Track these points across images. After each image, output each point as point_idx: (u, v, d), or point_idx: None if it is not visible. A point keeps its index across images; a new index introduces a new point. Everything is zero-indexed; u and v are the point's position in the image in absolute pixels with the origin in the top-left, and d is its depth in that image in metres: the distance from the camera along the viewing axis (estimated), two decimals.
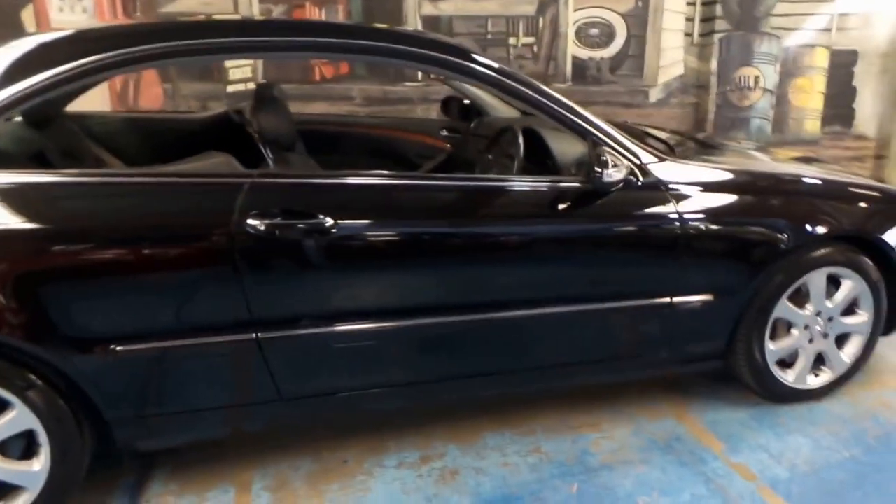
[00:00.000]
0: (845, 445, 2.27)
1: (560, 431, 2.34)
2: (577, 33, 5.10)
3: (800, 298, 2.36)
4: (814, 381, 2.49)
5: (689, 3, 5.26)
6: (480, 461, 2.18)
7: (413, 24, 4.82)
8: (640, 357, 2.31)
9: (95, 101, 3.65)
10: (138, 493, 2.04)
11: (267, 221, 1.77)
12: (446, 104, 3.27)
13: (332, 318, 1.92)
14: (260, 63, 4.71)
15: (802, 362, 2.44)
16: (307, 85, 4.81)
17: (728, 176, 2.30)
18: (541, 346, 2.17)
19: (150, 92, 4.60)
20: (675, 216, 2.13)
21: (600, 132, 2.09)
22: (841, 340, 2.48)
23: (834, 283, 2.39)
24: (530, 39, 5.06)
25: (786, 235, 2.23)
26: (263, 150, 2.33)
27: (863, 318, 2.45)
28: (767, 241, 2.23)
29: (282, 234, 1.79)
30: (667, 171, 2.16)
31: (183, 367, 1.85)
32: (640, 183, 2.11)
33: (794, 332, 2.39)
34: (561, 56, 5.12)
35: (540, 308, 2.09)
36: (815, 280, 2.34)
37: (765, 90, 5.45)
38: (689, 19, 5.31)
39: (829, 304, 2.39)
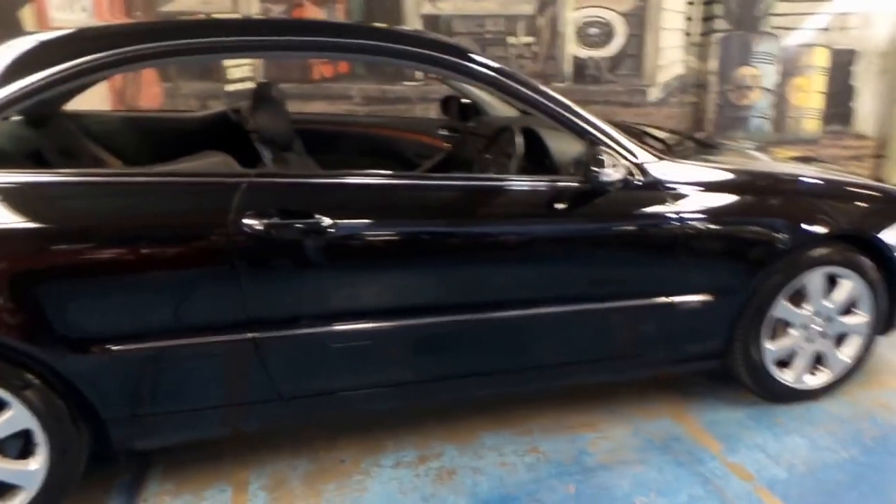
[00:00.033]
0: (843, 446, 2.27)
1: (557, 431, 2.34)
2: (577, 33, 5.09)
3: (798, 298, 2.36)
4: (812, 381, 2.49)
5: (688, 3, 5.25)
6: (478, 461, 2.18)
7: (412, 23, 4.81)
8: (637, 357, 2.31)
9: (95, 99, 3.64)
10: (135, 492, 2.04)
11: (264, 221, 1.77)
12: (446, 103, 3.27)
13: (330, 317, 1.92)
14: (259, 62, 4.70)
15: (801, 362, 2.44)
16: (306, 84, 4.80)
17: (727, 175, 2.30)
18: (539, 346, 2.17)
19: (150, 91, 4.59)
20: (674, 216, 2.12)
21: (598, 132, 2.09)
22: (839, 340, 2.48)
23: (833, 282, 2.39)
24: (530, 39, 5.05)
25: (784, 235, 2.23)
26: (261, 150, 2.33)
27: (861, 317, 2.44)
28: (766, 240, 2.23)
29: (279, 233, 1.79)
30: (665, 170, 2.16)
31: (180, 367, 1.85)
32: (638, 182, 2.10)
33: (793, 331, 2.39)
34: (560, 55, 5.12)
35: (538, 308, 2.09)
36: (814, 280, 2.34)
37: (764, 90, 5.44)
38: (689, 19, 5.30)
39: (827, 303, 2.39)
